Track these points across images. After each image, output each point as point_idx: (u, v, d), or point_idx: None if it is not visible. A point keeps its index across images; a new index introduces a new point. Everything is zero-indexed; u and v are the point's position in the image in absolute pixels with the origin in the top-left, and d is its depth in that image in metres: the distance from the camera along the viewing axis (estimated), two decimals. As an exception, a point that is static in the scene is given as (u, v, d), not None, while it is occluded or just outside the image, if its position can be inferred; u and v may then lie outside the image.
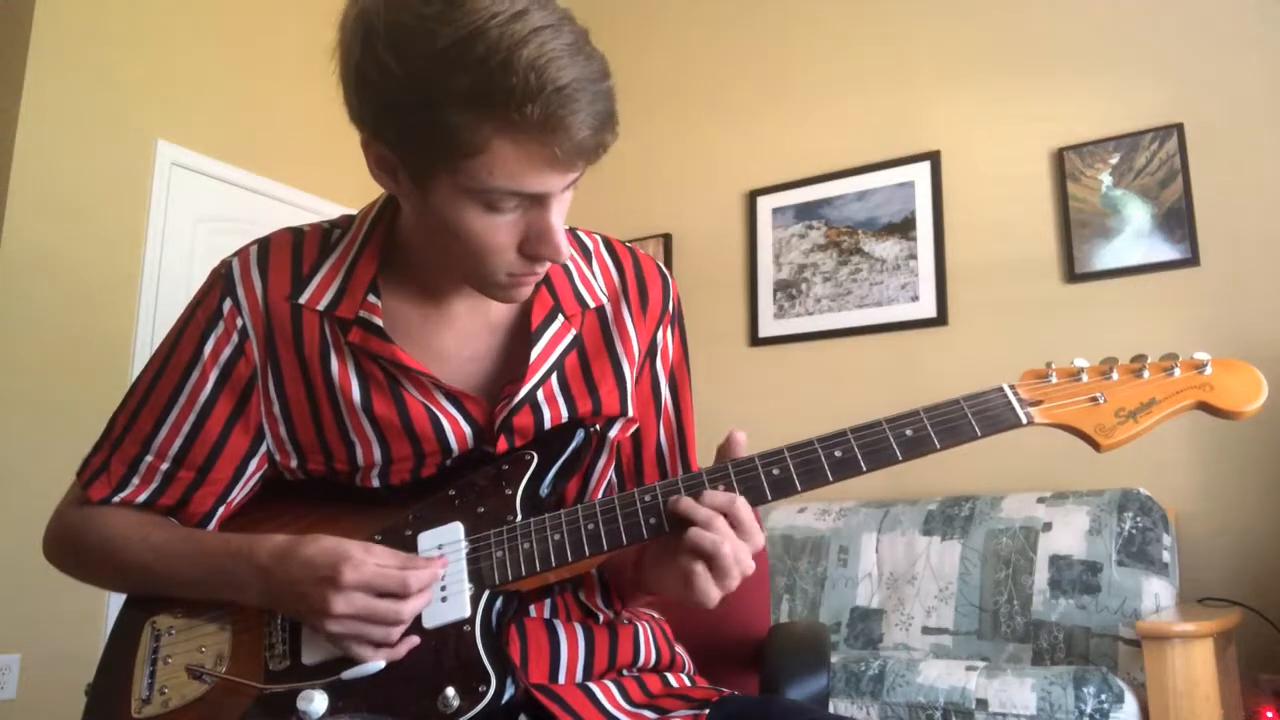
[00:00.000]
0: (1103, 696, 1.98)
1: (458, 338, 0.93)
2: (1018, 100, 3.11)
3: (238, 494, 0.93)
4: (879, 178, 3.32)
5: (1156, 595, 2.34)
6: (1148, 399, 0.81)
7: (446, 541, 0.85)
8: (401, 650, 0.80)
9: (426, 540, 0.85)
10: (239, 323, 0.90)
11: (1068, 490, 2.61)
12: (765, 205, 3.55)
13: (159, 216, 3.17)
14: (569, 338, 0.94)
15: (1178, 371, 0.82)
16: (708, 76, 3.79)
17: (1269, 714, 2.24)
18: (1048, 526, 2.53)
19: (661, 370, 1.01)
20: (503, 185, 0.76)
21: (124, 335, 3.04)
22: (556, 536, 0.83)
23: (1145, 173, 2.86)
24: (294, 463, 0.92)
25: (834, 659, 2.27)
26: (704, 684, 0.97)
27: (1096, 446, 0.81)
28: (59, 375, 2.82)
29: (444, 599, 0.82)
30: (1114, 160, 2.91)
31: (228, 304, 0.91)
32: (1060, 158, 2.99)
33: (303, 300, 0.90)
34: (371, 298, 0.89)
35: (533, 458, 0.88)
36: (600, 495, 0.98)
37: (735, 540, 0.79)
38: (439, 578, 0.82)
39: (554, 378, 0.92)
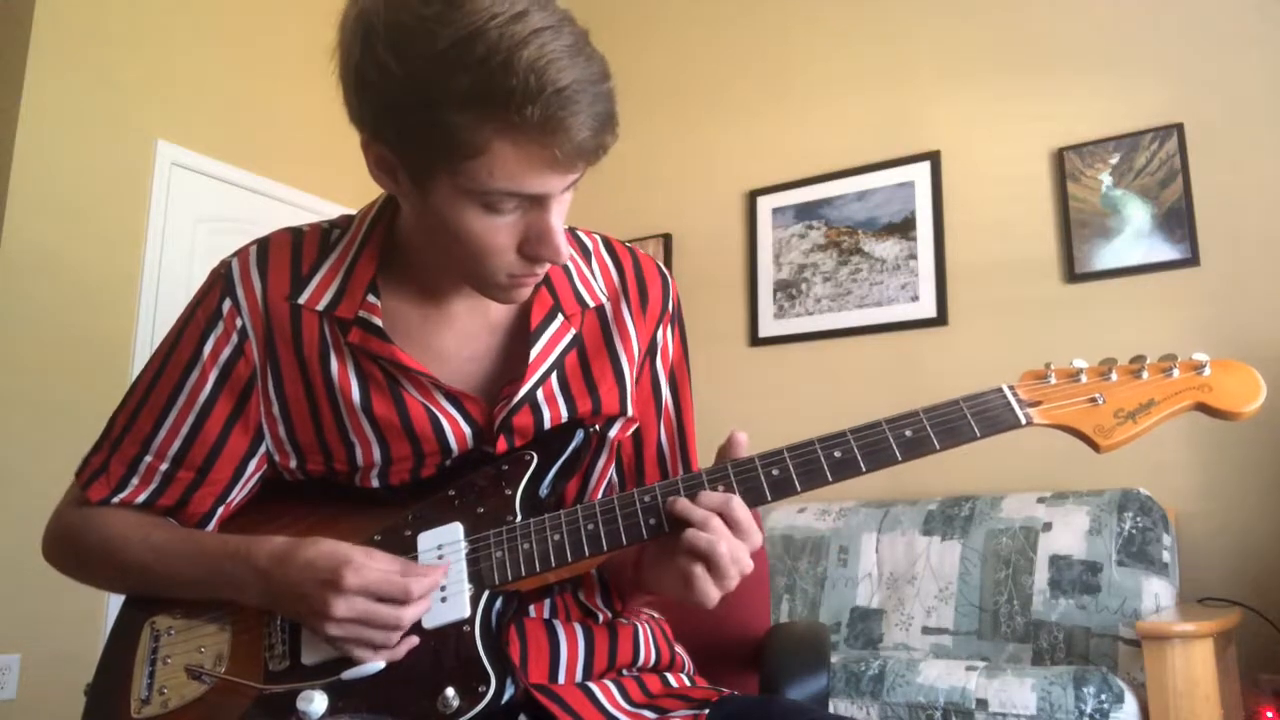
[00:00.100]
0: (1103, 696, 1.98)
1: (457, 338, 0.93)
2: (1018, 100, 3.10)
3: (237, 494, 0.93)
4: (879, 178, 3.32)
5: (1156, 595, 2.34)
6: (1146, 400, 0.81)
7: (446, 542, 0.84)
8: (401, 651, 0.80)
9: (426, 540, 0.85)
10: (238, 323, 0.90)
11: (1068, 490, 2.61)
12: (765, 205, 3.54)
13: (159, 216, 3.17)
14: (568, 337, 0.94)
15: (1176, 372, 0.82)
16: (708, 76, 3.78)
17: (1269, 714, 2.24)
18: (1048, 526, 2.53)
19: (661, 370, 1.01)
20: (502, 186, 0.76)
21: (124, 335, 3.04)
22: (556, 537, 0.83)
23: (1145, 173, 2.86)
24: (293, 463, 0.92)
25: (834, 659, 2.27)
26: (704, 684, 0.97)
27: (1095, 447, 0.81)
28: (59, 375, 2.82)
29: (444, 599, 0.82)
30: (1114, 160, 2.91)
31: (227, 304, 0.91)
32: (1060, 157, 2.99)
33: (302, 300, 0.90)
34: (371, 298, 0.89)
35: (532, 458, 0.88)
36: (600, 495, 0.98)
37: (732, 540, 0.79)
38: (440, 584, 0.82)
39: (554, 377, 0.92)
